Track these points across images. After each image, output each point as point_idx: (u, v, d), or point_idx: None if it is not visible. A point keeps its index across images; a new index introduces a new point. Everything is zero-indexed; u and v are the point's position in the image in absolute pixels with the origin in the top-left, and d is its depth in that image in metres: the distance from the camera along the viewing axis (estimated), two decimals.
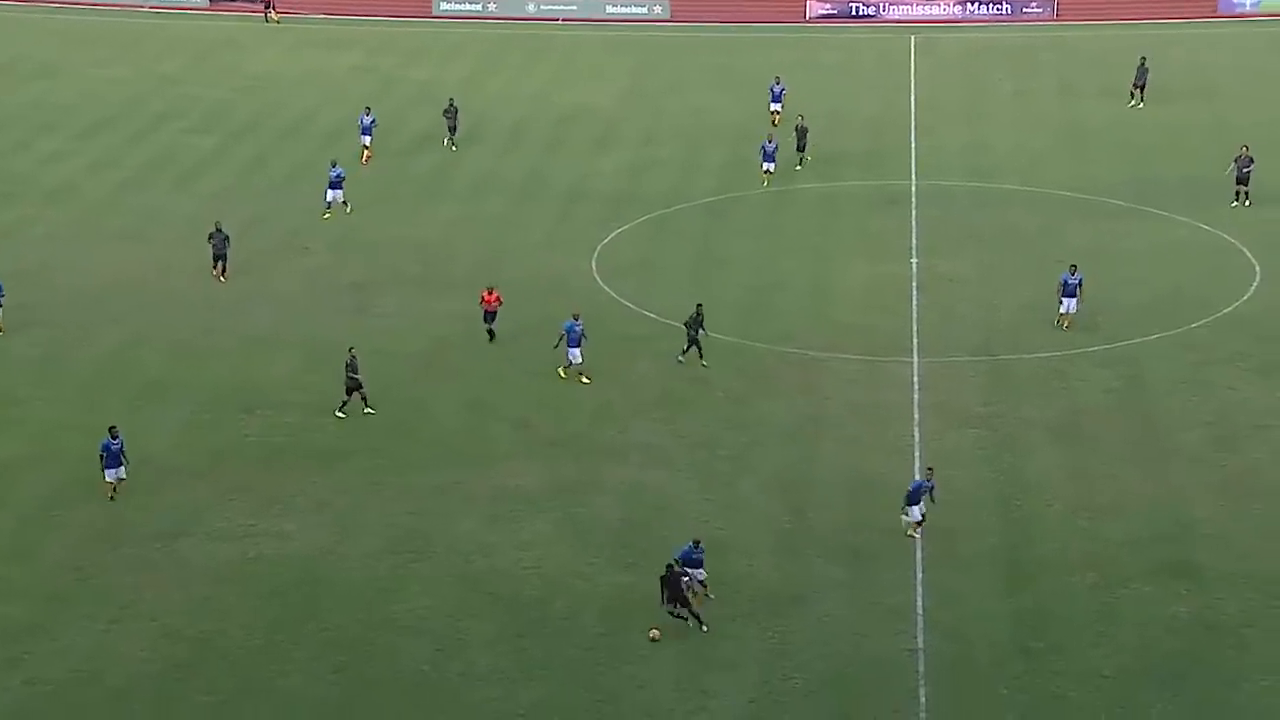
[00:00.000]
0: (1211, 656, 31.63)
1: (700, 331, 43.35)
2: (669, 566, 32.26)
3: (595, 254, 52.27)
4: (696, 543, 33.26)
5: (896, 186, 58.56)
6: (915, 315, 47.49)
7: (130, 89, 68.97)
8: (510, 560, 34.93)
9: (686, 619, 32.01)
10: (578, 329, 42.71)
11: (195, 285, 49.20)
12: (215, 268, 49.10)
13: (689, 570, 32.69)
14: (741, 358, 44.53)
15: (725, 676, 31.00)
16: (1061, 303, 45.91)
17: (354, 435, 40.18)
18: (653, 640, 31.68)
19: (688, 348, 43.46)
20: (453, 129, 61.59)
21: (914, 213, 55.77)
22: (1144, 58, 67.15)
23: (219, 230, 49.16)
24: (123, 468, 36.38)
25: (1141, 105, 66.40)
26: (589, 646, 32.04)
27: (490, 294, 44.85)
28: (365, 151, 59.51)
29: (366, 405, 40.71)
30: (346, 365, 40.67)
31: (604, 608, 33.18)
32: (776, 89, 63.99)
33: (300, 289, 49.43)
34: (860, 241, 53.32)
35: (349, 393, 40.55)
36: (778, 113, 63.25)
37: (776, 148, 56.99)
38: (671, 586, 31.95)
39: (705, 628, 32.00)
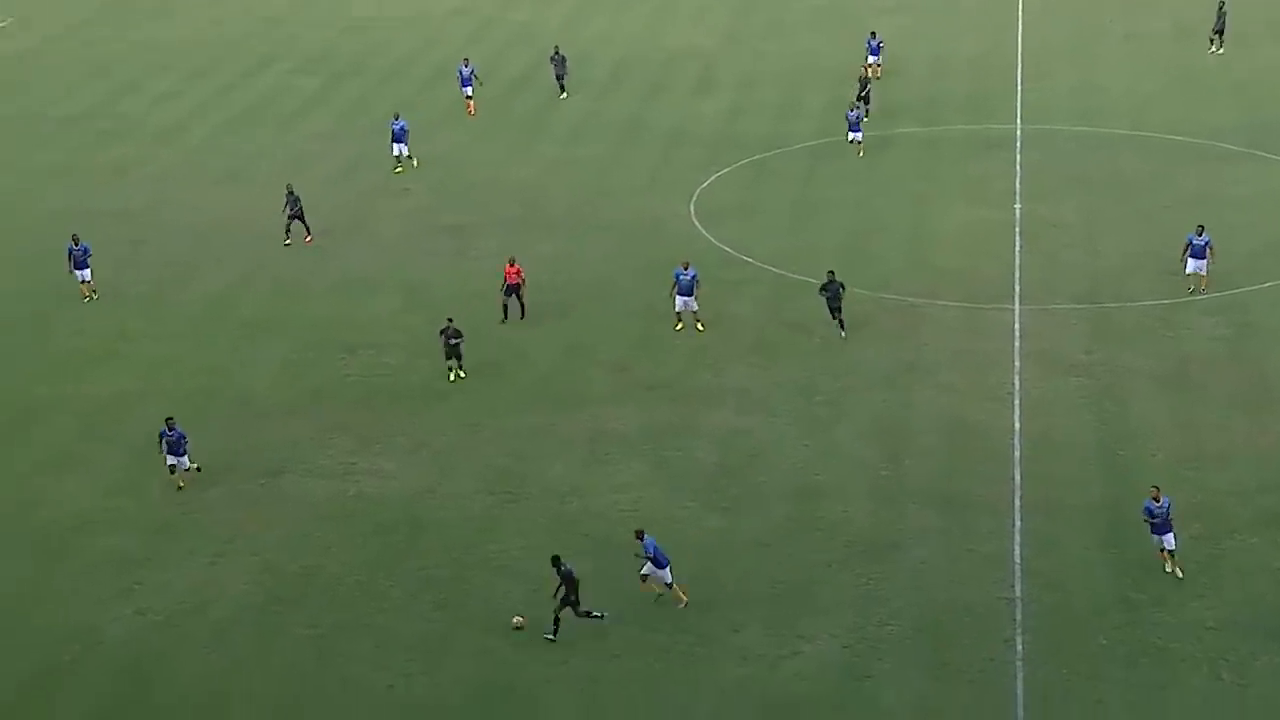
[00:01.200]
0: None
1: (838, 301, 41.30)
2: (554, 559, 30.29)
3: (693, 197, 52.04)
4: (642, 534, 31.03)
5: (1000, 130, 57.55)
6: (1017, 261, 46.77)
7: (238, 30, 69.65)
8: (605, 503, 35.08)
9: (590, 616, 30.19)
10: (685, 276, 42.39)
11: (296, 225, 49.66)
12: (287, 233, 47.44)
13: (655, 570, 31.14)
14: (842, 302, 44.10)
15: (819, 621, 30.95)
16: (1187, 263, 44.36)
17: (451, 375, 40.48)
18: (516, 628, 30.22)
19: (835, 317, 41.44)
20: (559, 77, 60.89)
21: (1018, 157, 54.81)
22: (1222, 2, 65.25)
23: (291, 193, 47.79)
24: (186, 457, 34.75)
25: (1221, 51, 64.47)
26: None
27: (511, 266, 42.79)
28: (469, 103, 59.05)
29: (461, 370, 39.65)
30: (443, 332, 39.48)
31: (698, 551, 33.21)
32: (873, 43, 62.28)
33: (400, 230, 49.79)
34: (961, 186, 52.55)
35: (448, 358, 39.63)
36: (876, 65, 61.56)
37: (859, 116, 55.11)
38: (566, 584, 29.98)
39: (558, 628, 30.08)
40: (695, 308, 42.31)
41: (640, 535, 31.45)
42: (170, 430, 34.56)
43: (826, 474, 36.05)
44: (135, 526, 33.91)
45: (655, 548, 31.21)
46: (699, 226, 49.84)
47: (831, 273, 41.90)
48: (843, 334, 41.70)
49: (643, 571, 31.36)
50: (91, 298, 43.86)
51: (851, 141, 54.93)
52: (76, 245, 43.90)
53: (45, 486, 35.14)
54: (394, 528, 34.14)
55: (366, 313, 44.09)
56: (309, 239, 47.93)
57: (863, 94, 57.82)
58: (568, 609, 30.33)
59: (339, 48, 67.46)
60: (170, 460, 34.73)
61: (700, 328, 42.34)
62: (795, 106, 59.74)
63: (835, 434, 37.70)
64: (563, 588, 30.30)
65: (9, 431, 37.31)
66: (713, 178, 53.71)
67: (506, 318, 42.71)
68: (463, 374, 39.77)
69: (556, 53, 61.53)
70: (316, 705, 28.93)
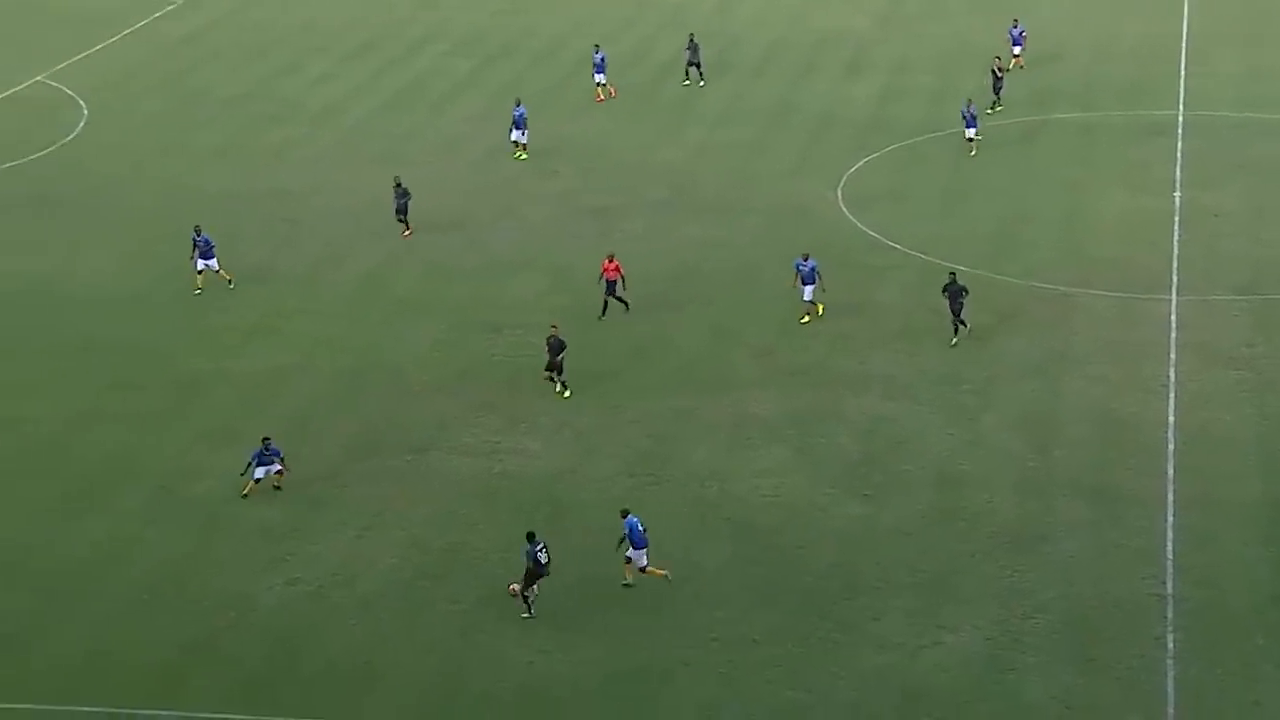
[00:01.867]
0: None
1: (959, 302, 40.00)
2: (529, 535, 30.50)
3: (842, 182, 51.63)
4: (627, 513, 31.21)
5: (1161, 116, 56.08)
6: (1176, 251, 45.59)
7: (393, 13, 70.74)
8: (746, 487, 35.05)
9: (526, 600, 30.35)
10: (805, 267, 41.96)
11: (449, 206, 50.45)
12: (405, 225, 47.14)
13: (633, 551, 30.94)
14: (989, 291, 43.47)
15: (961, 611, 30.60)
16: None
17: (596, 358, 40.76)
18: (512, 594, 30.45)
19: (956, 322, 40.23)
20: (694, 64, 60.14)
21: (1179, 144, 53.37)
22: None
23: (399, 185, 47.40)
24: (276, 463, 34.51)
25: None
26: (823, 575, 32.00)
27: (610, 262, 42.04)
28: (599, 90, 58.63)
29: (563, 387, 38.10)
30: (548, 341, 38.32)
31: (839, 538, 33.05)
32: (1015, 31, 59.99)
33: (548, 212, 50.21)
34: (1118, 173, 51.35)
35: (548, 369, 38.24)
36: (1017, 57, 59.12)
37: (976, 112, 52.92)
38: (534, 568, 30.26)
39: (529, 615, 30.34)
40: (810, 297, 41.80)
41: (625, 515, 31.50)
42: (267, 449, 34.49)
43: (971, 463, 35.57)
44: (287, 499, 34.76)
45: (636, 528, 31.17)
46: (846, 211, 49.44)
47: (953, 274, 40.82)
48: (954, 338, 40.04)
49: (627, 554, 31.29)
50: (210, 288, 43.61)
51: (968, 139, 52.78)
52: (199, 236, 43.76)
53: (204, 458, 36.21)
54: (536, 507, 34.51)
55: (513, 294, 44.59)
56: (408, 233, 47.35)
57: (997, 87, 55.79)
58: (533, 586, 30.49)
59: (492, 30, 68.16)
60: (259, 474, 34.52)
61: (808, 317, 41.58)
62: (950, 90, 58.84)
63: (981, 423, 37.17)
64: (529, 568, 30.41)
65: (171, 405, 38.50)
66: (862, 162, 53.20)
67: (605, 314, 42.11)
68: (566, 393, 38.08)
69: (691, 41, 61.00)
70: (459, 679, 29.42)
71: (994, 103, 56.20)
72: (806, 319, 42.05)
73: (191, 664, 29.58)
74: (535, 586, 30.66)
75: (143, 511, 34.09)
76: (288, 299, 44.35)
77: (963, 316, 40.48)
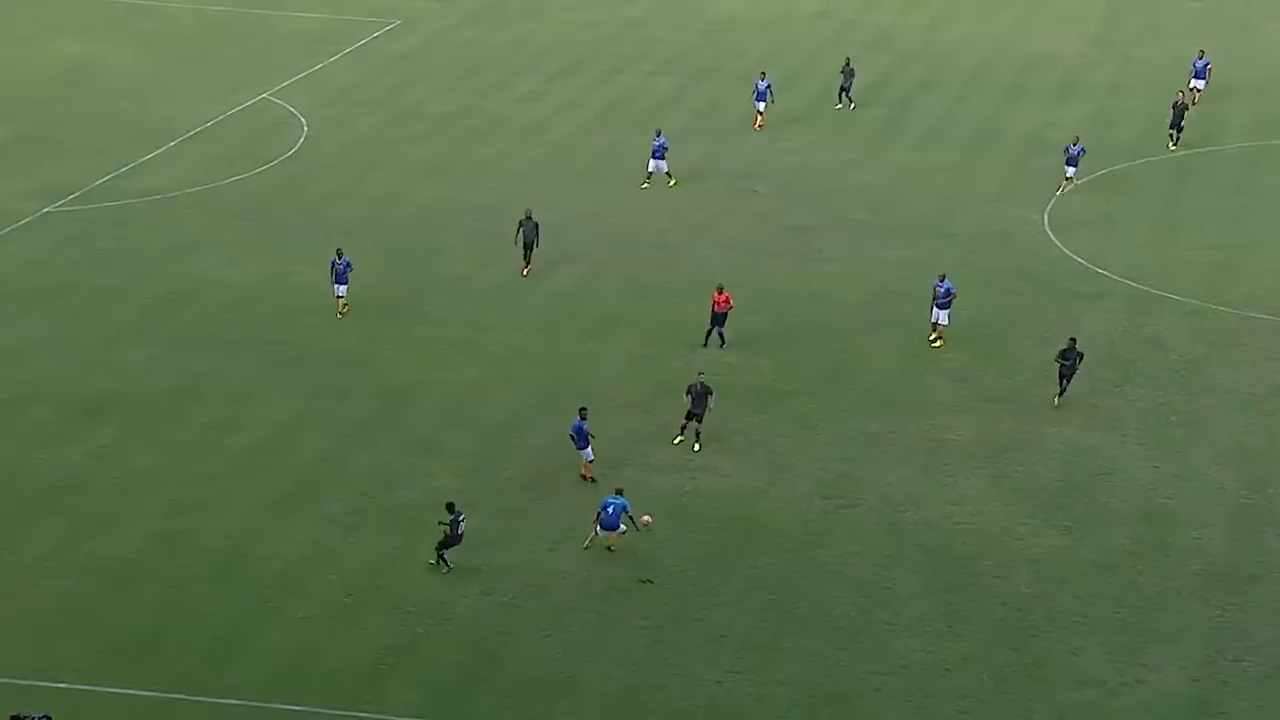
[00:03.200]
0: None
1: (1072, 369, 37.99)
2: (449, 506, 32.74)
3: (1049, 207, 50.54)
4: (620, 490, 33.24)
5: None
6: None
7: (600, 32, 71.72)
8: (941, 514, 34.52)
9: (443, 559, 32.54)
10: (942, 288, 41.03)
11: (647, 222, 50.85)
12: (526, 259, 46.06)
13: (602, 530, 33.00)
14: (1203, 321, 42.14)
15: (1166, 651, 29.64)
16: None
17: (790, 378, 40.64)
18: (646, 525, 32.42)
19: (1063, 388, 38.27)
20: (845, 89, 59.14)
21: None
22: None
23: (529, 218, 46.14)
24: (590, 448, 35.83)
25: None
26: (1019, 607, 31.32)
27: (720, 294, 41.37)
28: (759, 117, 57.71)
29: (698, 440, 36.89)
30: (689, 390, 37.00)
31: (1036, 569, 32.31)
32: (1199, 64, 57.10)
33: (747, 230, 50.26)
34: None
35: (688, 418, 37.09)
36: (1197, 91, 56.43)
37: (1082, 151, 50.49)
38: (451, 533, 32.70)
39: (446, 568, 32.46)
40: (947, 322, 40.92)
41: (619, 492, 33.29)
42: (583, 419, 35.97)
43: (1179, 498, 34.45)
44: (485, 508, 35.40)
45: (614, 510, 32.60)
46: (1052, 236, 48.39)
47: (1073, 339, 38.37)
48: (1056, 402, 38.06)
49: (621, 529, 32.58)
50: (345, 313, 43.71)
51: (1066, 179, 50.48)
52: (340, 259, 43.41)
53: (407, 467, 37.12)
54: (728, 525, 34.51)
55: (709, 312, 44.67)
56: (528, 270, 46.26)
57: (1178, 123, 53.28)
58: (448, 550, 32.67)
59: (697, 50, 68.56)
60: (584, 456, 36.14)
61: (940, 340, 40.80)
62: (1165, 114, 57.19)
63: (1190, 457, 35.98)
64: (446, 533, 32.54)
65: (379, 413, 39.57)
66: (1070, 186, 51.99)
67: (707, 344, 41.67)
68: (697, 447, 36.87)
69: (848, 64, 60.08)
70: (648, 695, 29.56)
71: (1173, 137, 53.74)
72: (939, 342, 41.08)
73: (391, 668, 30.30)
74: (447, 553, 32.67)
75: (346, 517, 35.08)
76: (489, 312, 45.20)
77: (1068, 384, 38.07)
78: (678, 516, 35.02)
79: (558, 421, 38.70)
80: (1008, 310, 43.10)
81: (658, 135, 53.45)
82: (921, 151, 55.98)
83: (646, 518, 33.15)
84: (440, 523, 32.99)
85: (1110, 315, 43.01)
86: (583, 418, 36.04)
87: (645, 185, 53.13)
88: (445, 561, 32.91)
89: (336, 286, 44.07)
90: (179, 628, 31.11)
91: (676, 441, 37.35)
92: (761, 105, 58.28)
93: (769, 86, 58.41)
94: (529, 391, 40.36)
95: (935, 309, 41.34)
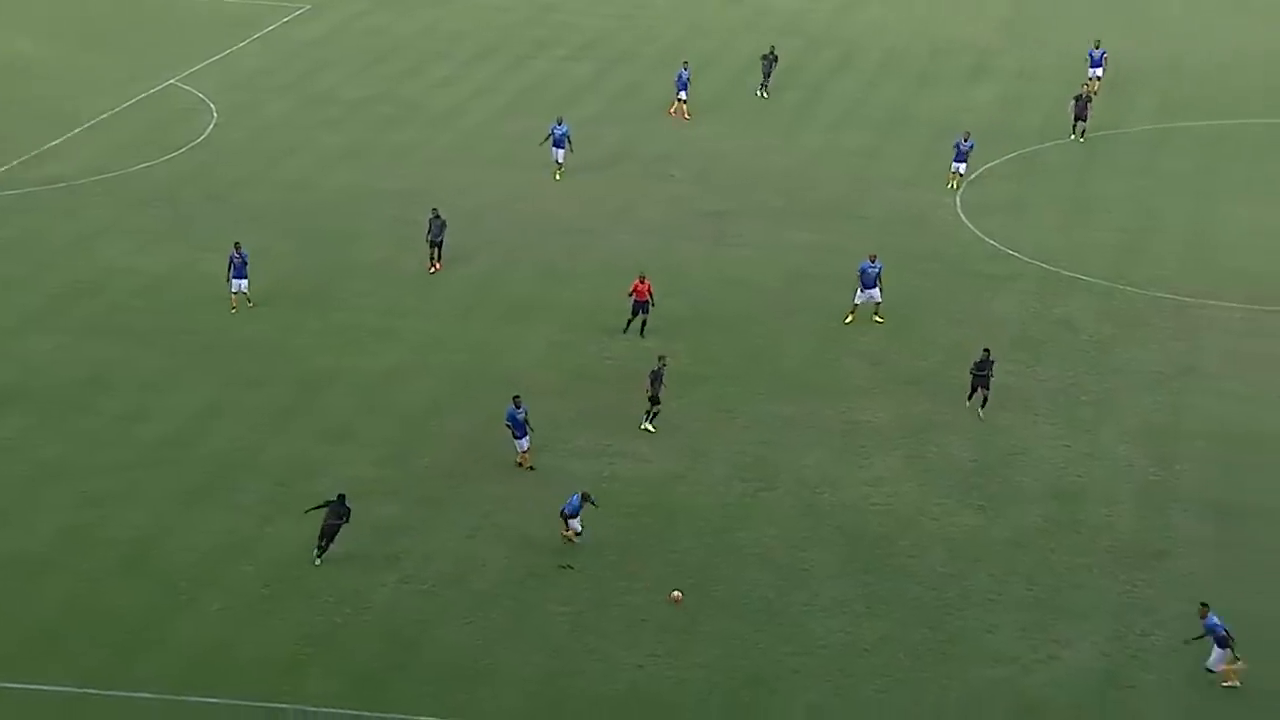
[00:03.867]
0: None
1: (988, 379, 37.45)
2: (340, 496, 32.79)
3: (960, 189, 51.08)
4: (585, 495, 33.06)
5: None
6: None
7: (513, 16, 71.35)
8: (857, 495, 34.85)
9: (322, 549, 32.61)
10: (873, 269, 41.45)
11: (562, 208, 50.76)
12: (432, 257, 45.23)
13: (571, 519, 32.80)
14: (1112, 301, 42.83)
15: (1077, 626, 30.14)
16: None
17: (707, 362, 40.79)
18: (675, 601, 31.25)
19: (972, 394, 37.80)
20: (767, 76, 58.89)
21: None
22: None
23: (437, 216, 45.42)
24: (527, 438, 35.61)
25: None
26: (935, 586, 31.71)
27: (642, 283, 41.22)
28: (682, 106, 57.20)
29: (649, 421, 37.11)
30: (651, 374, 37.29)
31: (951, 549, 32.72)
32: (1096, 54, 57.24)
33: (662, 215, 50.32)
34: (1252, 183, 50.24)
35: (654, 400, 37.15)
36: (1096, 80, 56.55)
37: (972, 147, 50.14)
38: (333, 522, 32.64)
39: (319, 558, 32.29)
40: (879, 299, 41.37)
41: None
42: (518, 408, 35.78)
43: (1089, 476, 35.03)
44: (402, 497, 35.22)
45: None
46: (964, 219, 48.93)
47: (987, 350, 38.02)
48: (981, 415, 37.50)
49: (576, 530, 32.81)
50: (250, 306, 43.00)
51: (952, 174, 50.45)
52: (238, 253, 42.65)
53: (324, 455, 36.80)
54: (647, 510, 34.61)
55: (626, 298, 44.71)
56: (436, 267, 45.29)
57: (1082, 114, 53.49)
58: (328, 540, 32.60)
59: (612, 35, 68.45)
60: (520, 444, 35.78)
61: (879, 319, 41.31)
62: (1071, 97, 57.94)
63: (1100, 435, 36.59)
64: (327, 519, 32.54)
65: (294, 401, 39.19)
66: (982, 169, 52.62)
67: (627, 331, 41.56)
68: (653, 428, 37.17)
69: (771, 52, 60.25)
70: (568, 680, 29.59)
71: (1076, 128, 53.97)
72: (851, 319, 41.38)
73: (310, 658, 30.07)
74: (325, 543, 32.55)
75: (261, 507, 34.73)
76: (405, 299, 44.89)
77: (987, 392, 37.69)
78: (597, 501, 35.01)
79: (476, 408, 38.57)
80: (921, 293, 43.55)
81: (559, 123, 52.73)
82: (834, 135, 56.34)
83: (676, 593, 31.40)
84: (308, 509, 32.61)
85: (1022, 297, 43.58)
86: (517, 405, 35.83)
87: (559, 177, 52.52)
88: (321, 551, 32.47)
89: (234, 281, 43.07)
90: (89, 622, 30.67)
91: (645, 426, 37.31)
92: (684, 94, 57.87)
93: (689, 77, 57.92)
94: (447, 378, 40.18)
95: (863, 290, 41.48)
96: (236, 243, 43.55)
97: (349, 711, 28.48)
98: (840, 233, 48.40)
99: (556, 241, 48.49)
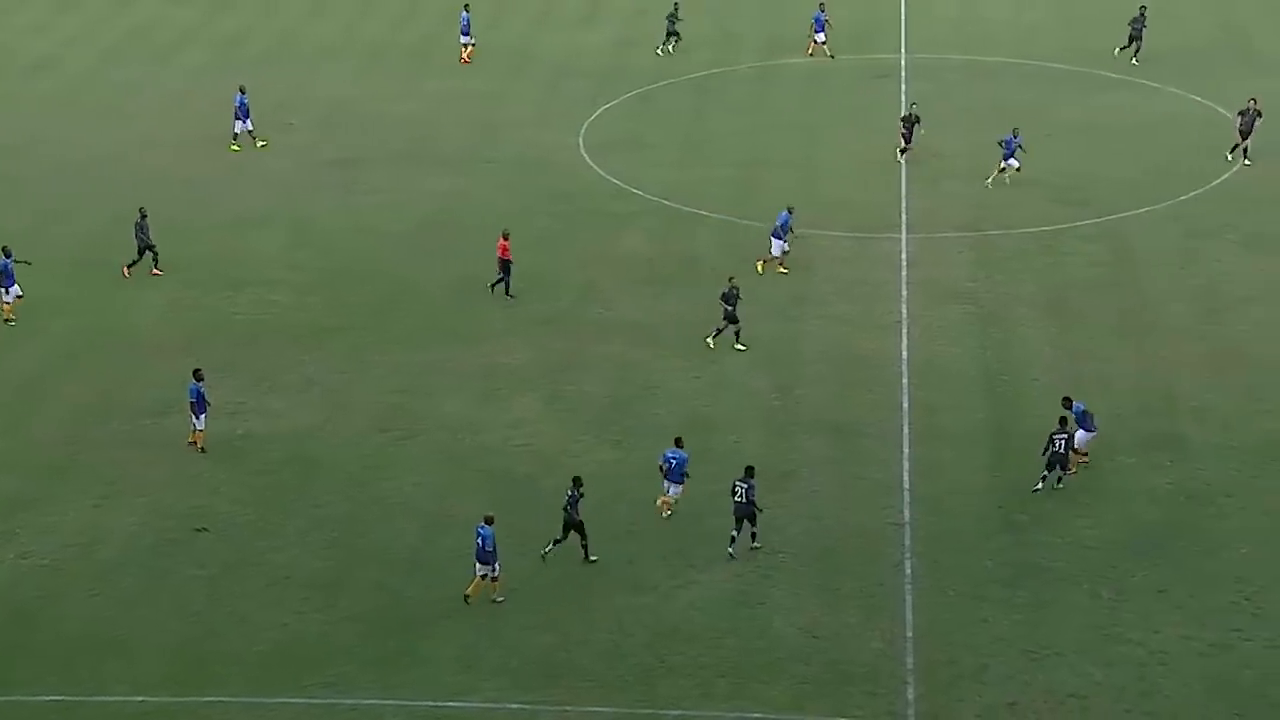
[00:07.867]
0: (1191, 526, 32.04)
1: (736, 309, 38.01)
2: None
3: (582, 130, 51.84)
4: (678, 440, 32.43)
5: (886, 61, 57.94)
6: (904, 191, 47.30)
7: None
8: (499, 438, 35.11)
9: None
10: (779, 220, 41.47)
11: (180, 161, 48.79)
12: (138, 261, 41.15)
13: (670, 488, 32.13)
14: (732, 235, 44.40)
15: (713, 550, 31.32)
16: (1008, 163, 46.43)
17: (341, 313, 40.16)
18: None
19: (722, 328, 38.08)
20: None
21: (904, 87, 55.26)
22: None
23: (144, 218, 41.35)
24: (203, 418, 33.80)
25: None
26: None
27: (505, 240, 40.33)
28: (464, 49, 56.53)
29: (738, 341, 37.25)
30: (723, 295, 37.26)
31: (592, 483, 33.34)
32: (821, 17, 57.35)
33: (288, 165, 49.05)
34: (848, 117, 52.91)
35: (731, 320, 37.45)
36: (822, 46, 57.14)
37: (1020, 143, 46.67)
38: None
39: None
40: (786, 249, 41.44)
41: (678, 443, 32.52)
42: (199, 381, 33.77)
43: (718, 405, 36.37)
44: (17, 468, 33.35)
45: (669, 460, 32.09)
46: (588, 159, 49.70)
47: (731, 278, 38.85)
48: (737, 345, 38.23)
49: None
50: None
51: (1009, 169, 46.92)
52: (6, 258, 38.84)
53: None
54: (284, 466, 33.90)
55: (253, 250, 43.48)
56: (154, 271, 41.55)
57: (671, 29, 55.75)
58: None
59: None
60: (196, 423, 33.84)
61: (762, 266, 41.59)
62: (684, 37, 59.52)
63: (726, 366, 38.01)
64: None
65: None
66: (601, 110, 53.50)
67: (493, 290, 40.57)
68: (741, 346, 37.49)
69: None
70: (209, 643, 28.77)
71: (672, 42, 56.68)
72: (762, 269, 41.48)
73: None
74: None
75: None
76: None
77: (738, 325, 38.34)
78: (230, 460, 34.08)
79: (96, 373, 36.79)
80: (551, 234, 44.03)
81: (240, 93, 49.35)
82: (457, 79, 56.10)
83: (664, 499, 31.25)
84: None
85: (648, 234, 44.68)
86: (198, 379, 33.85)
87: (235, 148, 49.37)
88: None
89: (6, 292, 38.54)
90: None
91: (710, 343, 37.36)
92: (467, 39, 56.24)
93: (469, 21, 56.29)
94: (62, 341, 38.12)
95: (773, 239, 41.36)
96: (4, 248, 39.06)
97: None
98: (469, 177, 48.36)
99: (175, 195, 46.58)
